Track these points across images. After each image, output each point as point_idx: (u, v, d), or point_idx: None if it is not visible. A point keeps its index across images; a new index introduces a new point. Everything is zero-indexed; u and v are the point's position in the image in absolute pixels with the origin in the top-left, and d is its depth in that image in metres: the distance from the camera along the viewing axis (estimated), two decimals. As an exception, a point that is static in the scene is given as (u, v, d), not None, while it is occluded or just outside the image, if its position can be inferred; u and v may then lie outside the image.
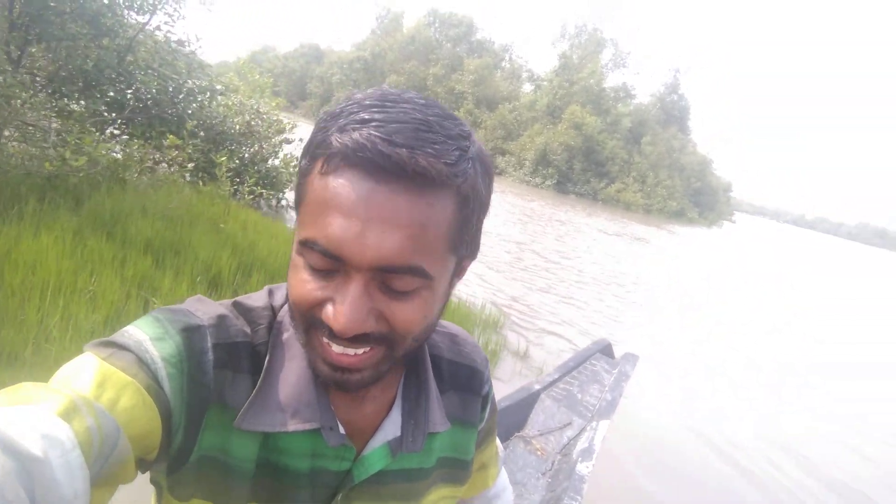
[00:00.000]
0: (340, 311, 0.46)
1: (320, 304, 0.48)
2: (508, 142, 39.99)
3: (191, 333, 0.52)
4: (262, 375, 0.55)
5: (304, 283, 0.48)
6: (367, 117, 0.45)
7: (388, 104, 0.46)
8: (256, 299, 0.61)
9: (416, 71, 46.03)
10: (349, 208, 0.45)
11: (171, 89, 6.03)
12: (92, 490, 0.40)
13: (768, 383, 6.30)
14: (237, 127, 7.06)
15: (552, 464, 2.39)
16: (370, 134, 0.44)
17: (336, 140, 0.45)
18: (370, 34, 57.74)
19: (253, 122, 7.25)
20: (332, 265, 0.47)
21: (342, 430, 0.57)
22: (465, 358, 0.71)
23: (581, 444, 2.35)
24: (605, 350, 3.54)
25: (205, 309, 0.56)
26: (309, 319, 0.50)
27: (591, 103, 39.49)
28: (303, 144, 0.51)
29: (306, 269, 0.48)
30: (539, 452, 2.46)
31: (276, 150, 7.52)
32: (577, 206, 27.65)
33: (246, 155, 7.12)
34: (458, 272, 0.55)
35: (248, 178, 6.16)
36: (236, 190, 6.61)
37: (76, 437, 0.39)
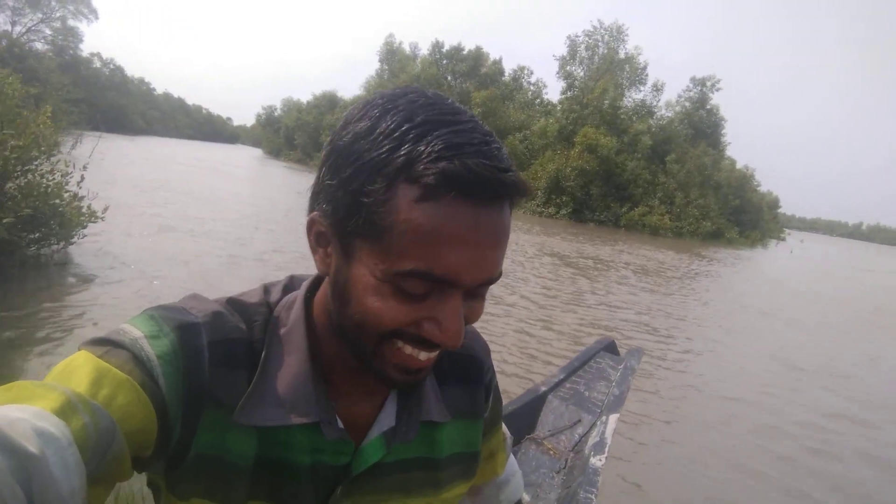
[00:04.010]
0: (449, 328, 0.48)
1: (415, 323, 0.49)
2: (519, 172, 36.95)
3: (186, 331, 0.52)
4: (258, 371, 0.55)
5: (393, 309, 0.48)
6: (455, 139, 0.46)
7: (448, 115, 0.48)
8: (252, 296, 0.61)
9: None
10: (463, 237, 0.46)
11: None
12: (88, 487, 0.40)
13: None
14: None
15: (565, 461, 2.38)
16: (481, 162, 0.45)
17: (437, 167, 0.44)
18: (376, 76, 57.04)
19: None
20: (434, 288, 0.48)
21: (340, 425, 0.58)
22: (465, 348, 0.71)
23: (592, 439, 2.33)
24: (609, 347, 3.39)
25: (200, 306, 0.56)
26: (387, 336, 0.50)
27: (605, 124, 36.45)
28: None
29: (396, 296, 0.48)
30: (551, 452, 2.44)
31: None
32: (580, 235, 24.27)
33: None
34: None
35: None
36: None
37: (72, 435, 0.39)
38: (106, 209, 6.15)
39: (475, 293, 0.51)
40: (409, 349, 0.51)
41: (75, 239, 6.08)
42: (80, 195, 5.91)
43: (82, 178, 5.72)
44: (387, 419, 0.61)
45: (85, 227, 6.06)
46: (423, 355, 0.51)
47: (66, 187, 5.77)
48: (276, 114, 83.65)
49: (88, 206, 6.00)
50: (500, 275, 0.50)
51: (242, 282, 6.56)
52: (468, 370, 0.71)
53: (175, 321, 0.52)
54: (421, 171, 0.45)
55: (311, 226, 0.54)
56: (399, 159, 0.46)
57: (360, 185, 0.47)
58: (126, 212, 10.03)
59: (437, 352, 0.52)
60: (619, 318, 8.40)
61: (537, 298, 8.80)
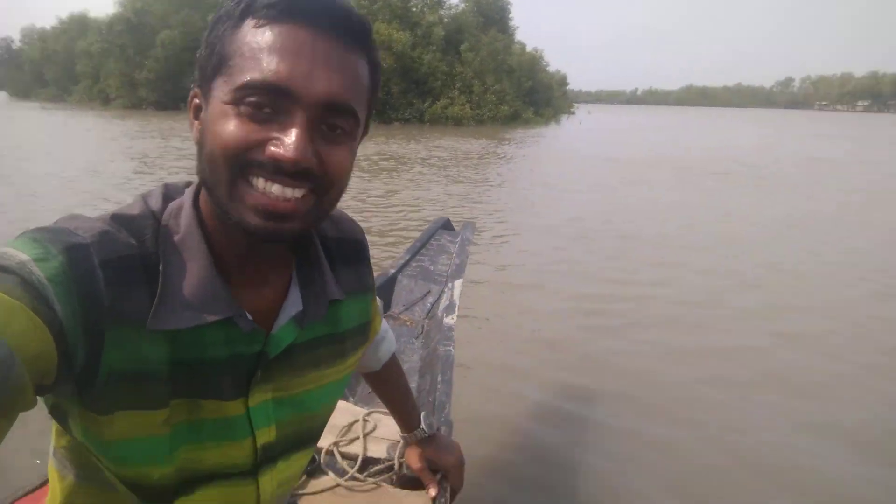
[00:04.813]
0: (291, 143, 0.50)
1: (260, 145, 0.51)
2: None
3: (75, 252, 0.49)
4: (160, 280, 0.55)
5: (238, 128, 0.50)
6: None
7: None
8: (133, 208, 0.60)
9: (190, 20, 39.00)
10: (296, 50, 0.50)
11: None
12: None
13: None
14: None
15: (422, 328, 2.57)
16: None
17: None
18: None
19: None
20: (274, 104, 0.50)
21: (249, 317, 0.61)
22: (348, 233, 0.79)
23: (443, 303, 2.52)
24: (446, 225, 3.65)
25: (85, 226, 0.53)
26: (238, 168, 0.52)
27: (397, 19, 35.61)
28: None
29: (240, 116, 0.51)
30: (408, 323, 2.63)
31: None
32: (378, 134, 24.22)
33: None
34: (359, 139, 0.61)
35: None
36: None
37: None
38: None
39: (327, 134, 0.53)
40: (261, 183, 0.51)
41: None
42: None
43: None
44: (293, 305, 0.66)
45: None
46: (276, 188, 0.51)
47: None
48: (14, 47, 68.23)
49: None
50: (347, 104, 0.53)
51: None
52: (354, 252, 0.78)
53: (62, 243, 0.49)
54: (261, 4, 0.51)
55: (190, 101, 0.58)
56: (242, 4, 0.52)
57: (213, 36, 0.53)
58: None
59: (295, 191, 0.52)
60: (429, 207, 8.65)
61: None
